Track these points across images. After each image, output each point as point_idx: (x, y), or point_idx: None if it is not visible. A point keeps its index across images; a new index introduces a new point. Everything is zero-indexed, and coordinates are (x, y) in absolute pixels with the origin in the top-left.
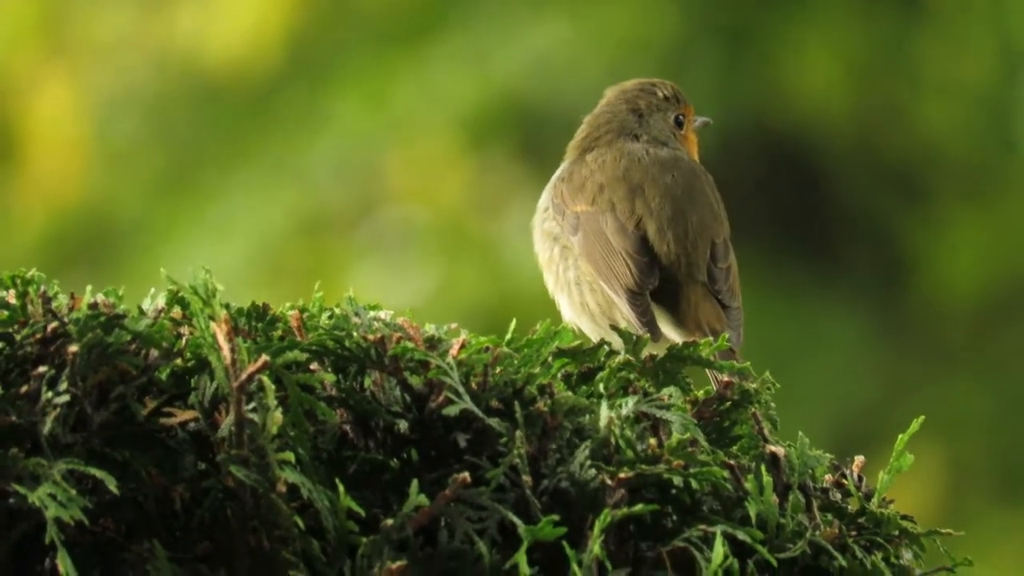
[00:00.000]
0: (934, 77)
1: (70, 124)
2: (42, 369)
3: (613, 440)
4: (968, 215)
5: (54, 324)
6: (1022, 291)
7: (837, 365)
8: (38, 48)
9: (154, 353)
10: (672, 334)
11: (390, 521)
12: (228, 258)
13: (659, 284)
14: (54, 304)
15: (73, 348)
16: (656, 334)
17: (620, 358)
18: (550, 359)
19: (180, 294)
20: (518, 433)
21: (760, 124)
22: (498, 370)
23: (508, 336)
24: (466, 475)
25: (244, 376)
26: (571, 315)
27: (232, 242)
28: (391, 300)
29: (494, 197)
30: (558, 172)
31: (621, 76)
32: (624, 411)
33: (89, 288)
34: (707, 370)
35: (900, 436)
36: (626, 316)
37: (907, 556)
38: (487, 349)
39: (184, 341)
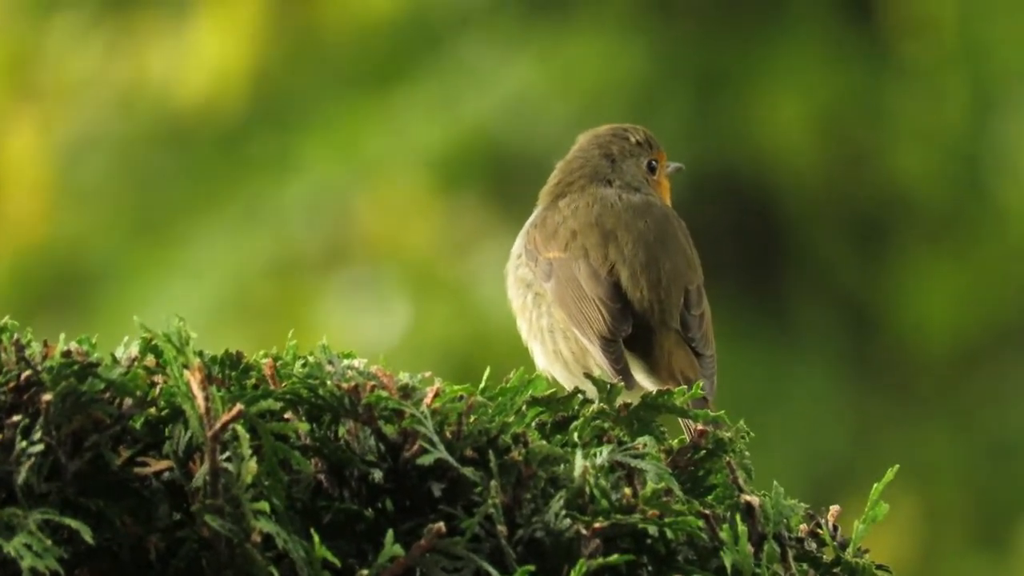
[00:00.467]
0: (904, 124)
1: (38, 165)
2: (16, 418)
3: (588, 489)
4: (938, 262)
5: (27, 372)
6: (993, 337)
7: (808, 413)
8: (6, 88)
9: (128, 402)
10: (645, 382)
11: (365, 572)
12: (198, 301)
13: (632, 331)
14: (27, 352)
15: (47, 397)
16: (630, 382)
17: (594, 407)
18: (524, 408)
19: (153, 342)
20: (493, 483)
21: (729, 169)
22: (472, 419)
23: (482, 384)
24: (441, 525)
25: (218, 425)
26: (544, 363)
27: (202, 285)
28: (362, 343)
29: (464, 240)
30: (531, 218)
31: (590, 119)
32: (599, 460)
33: (62, 336)
34: (680, 419)
35: (875, 485)
36: (599, 363)
37: None
38: (461, 398)
39: (158, 390)
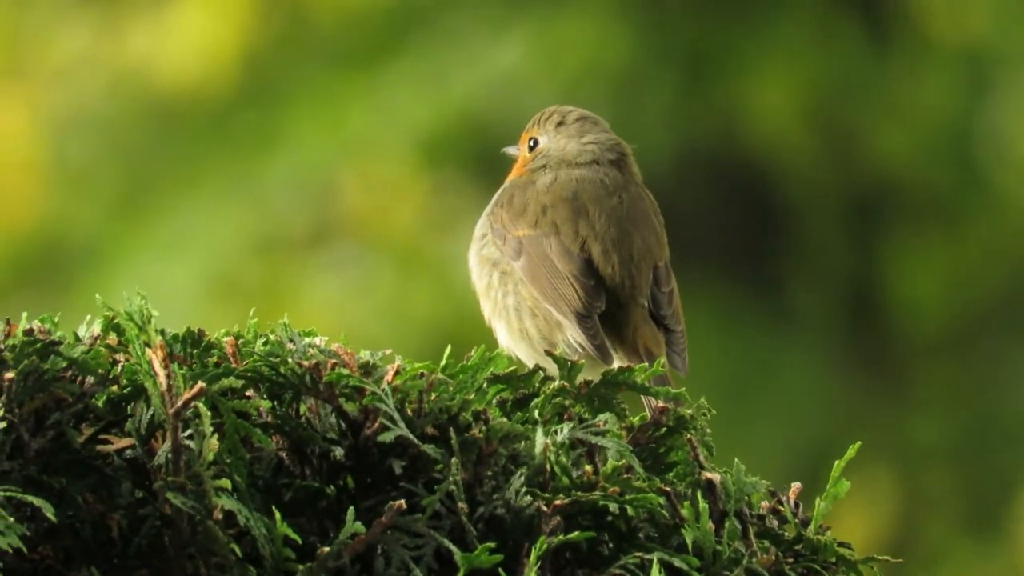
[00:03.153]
0: (895, 104)
1: (25, 145)
2: None
3: (549, 467)
4: (930, 244)
5: None
6: (983, 319)
7: (800, 395)
8: None
9: (90, 380)
10: (614, 357)
11: (326, 549)
12: (184, 278)
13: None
14: None
15: (9, 375)
16: (607, 358)
17: (555, 384)
18: (485, 385)
19: (116, 320)
20: (453, 460)
21: (717, 152)
22: (433, 396)
23: (443, 362)
24: (402, 502)
25: (180, 403)
26: (508, 342)
27: (188, 262)
28: (346, 320)
29: (449, 217)
30: (494, 199)
31: (578, 99)
32: (559, 437)
33: (25, 315)
34: (643, 396)
35: (836, 462)
36: (575, 340)
37: None
38: (422, 375)
39: (120, 368)
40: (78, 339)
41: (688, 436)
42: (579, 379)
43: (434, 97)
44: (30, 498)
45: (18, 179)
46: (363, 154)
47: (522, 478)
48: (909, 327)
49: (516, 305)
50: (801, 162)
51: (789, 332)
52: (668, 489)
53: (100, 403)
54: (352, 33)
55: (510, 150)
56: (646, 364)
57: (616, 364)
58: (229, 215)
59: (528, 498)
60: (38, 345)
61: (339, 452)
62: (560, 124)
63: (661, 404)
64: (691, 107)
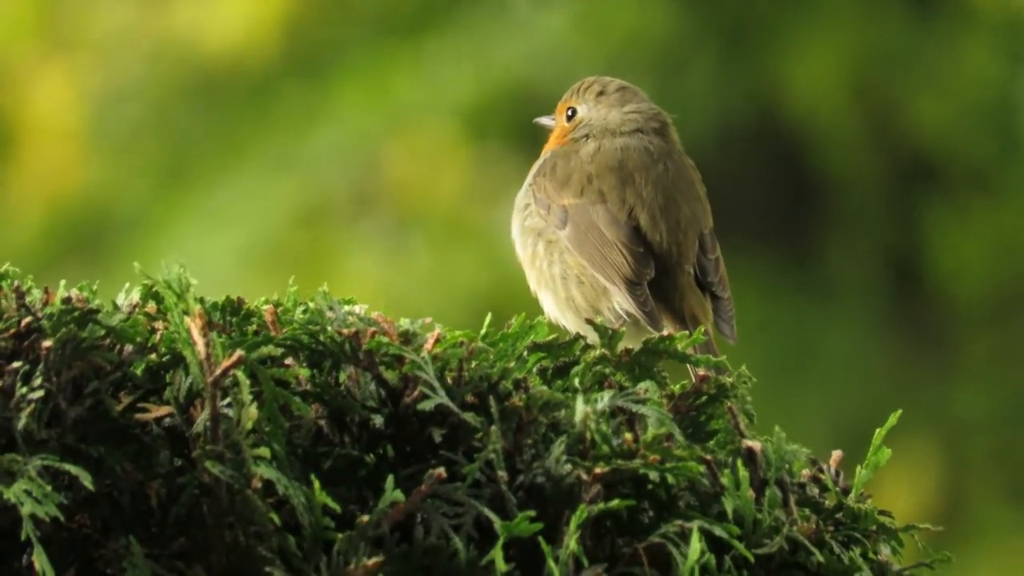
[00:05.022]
0: (936, 74)
1: (68, 117)
2: (16, 364)
3: (589, 435)
4: (971, 213)
5: (28, 319)
6: None
7: (839, 365)
8: (36, 41)
9: (128, 348)
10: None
11: (366, 517)
12: (227, 249)
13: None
14: (27, 299)
15: (47, 343)
16: (658, 325)
17: (596, 352)
18: (525, 353)
19: (154, 288)
20: (493, 428)
21: (760, 122)
22: (473, 364)
23: (483, 330)
24: (441, 471)
25: (219, 371)
26: (555, 312)
27: (231, 233)
28: (389, 290)
29: (492, 188)
30: (534, 169)
31: (621, 70)
32: (600, 406)
33: (63, 283)
34: (688, 364)
35: (877, 430)
36: (621, 307)
37: (885, 551)
38: (462, 343)
39: (159, 336)
40: (116, 307)
41: (729, 404)
42: (620, 347)
43: (478, 68)
44: (68, 467)
45: (61, 150)
46: (407, 125)
47: (562, 446)
48: (951, 297)
49: (563, 274)
50: (843, 133)
51: (832, 303)
52: (708, 457)
53: (138, 371)
54: (396, 3)
55: (544, 120)
56: (687, 332)
57: (665, 331)
58: (272, 186)
59: (568, 466)
60: (76, 313)
61: (379, 420)
62: (601, 94)
63: (702, 372)
64: (733, 79)
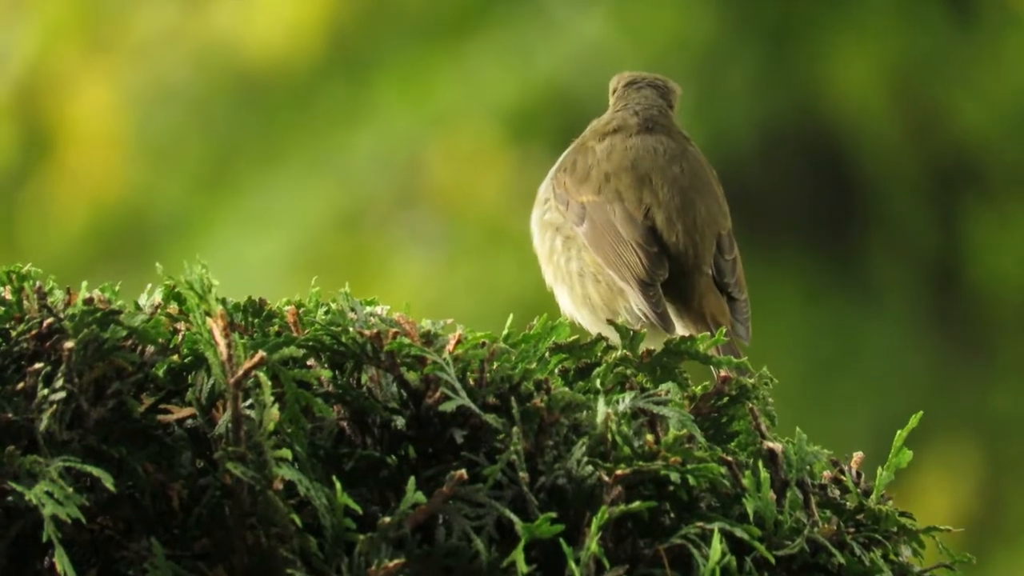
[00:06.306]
0: (976, 78)
1: (110, 120)
2: (38, 365)
3: (610, 436)
4: (1011, 216)
5: (50, 320)
6: None
7: (880, 367)
8: (78, 45)
9: (150, 349)
10: (677, 325)
11: (387, 519)
12: (268, 252)
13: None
14: (50, 300)
15: (69, 344)
16: (670, 326)
17: (617, 353)
18: (547, 354)
19: (176, 289)
20: (515, 429)
21: (800, 126)
22: (495, 366)
23: (505, 332)
24: (463, 472)
25: (241, 372)
26: (571, 308)
27: (272, 236)
28: (431, 294)
29: (534, 191)
30: (558, 162)
31: (662, 73)
32: (621, 407)
33: (84, 284)
34: (710, 365)
35: (899, 432)
36: (637, 307)
37: (906, 553)
38: (483, 345)
39: (180, 337)
40: (138, 308)
41: (750, 406)
42: (641, 348)
43: (519, 71)
44: (90, 468)
45: (102, 153)
46: (448, 128)
47: (583, 448)
48: (992, 299)
49: (580, 271)
50: (883, 136)
51: (872, 305)
52: (730, 459)
53: (160, 372)
54: (438, 6)
55: None
56: (708, 333)
57: (679, 333)
58: (314, 189)
59: (589, 468)
60: (98, 314)
61: (400, 422)
62: (613, 91)
63: (724, 373)
64: (774, 82)
